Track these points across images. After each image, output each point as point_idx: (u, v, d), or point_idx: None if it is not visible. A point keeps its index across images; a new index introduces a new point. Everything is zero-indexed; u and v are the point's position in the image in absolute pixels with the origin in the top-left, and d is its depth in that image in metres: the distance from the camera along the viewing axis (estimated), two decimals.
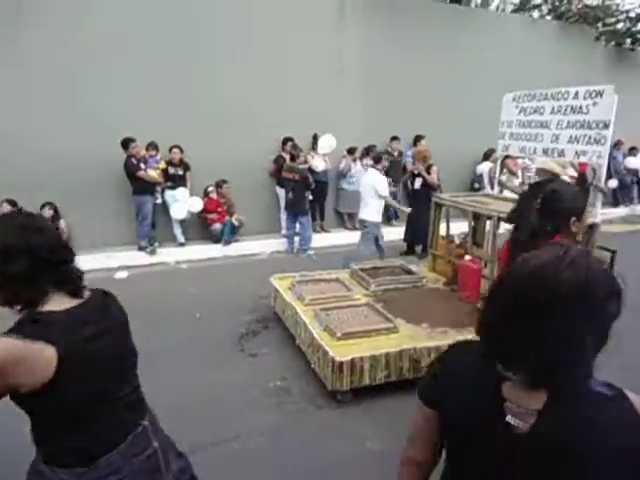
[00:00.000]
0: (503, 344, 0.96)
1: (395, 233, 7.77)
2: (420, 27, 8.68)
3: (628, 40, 11.67)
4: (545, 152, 4.82)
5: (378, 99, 8.47)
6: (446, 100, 9.01)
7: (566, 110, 4.49)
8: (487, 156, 8.99)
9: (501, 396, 0.97)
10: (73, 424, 1.32)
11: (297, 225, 7.38)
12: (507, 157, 7.67)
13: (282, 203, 7.79)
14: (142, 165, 6.68)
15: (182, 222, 7.26)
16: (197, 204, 7.14)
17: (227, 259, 7.18)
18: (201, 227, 7.55)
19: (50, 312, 1.29)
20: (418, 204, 6.60)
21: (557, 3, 11.50)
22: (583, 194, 2.31)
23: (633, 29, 11.67)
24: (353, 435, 3.05)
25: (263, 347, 4.24)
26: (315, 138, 7.98)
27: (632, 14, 11.48)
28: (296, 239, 7.46)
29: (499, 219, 4.38)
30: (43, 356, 1.21)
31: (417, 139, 8.64)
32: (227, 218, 7.44)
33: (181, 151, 7.10)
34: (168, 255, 7.02)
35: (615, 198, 11.20)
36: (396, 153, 8.66)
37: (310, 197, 7.47)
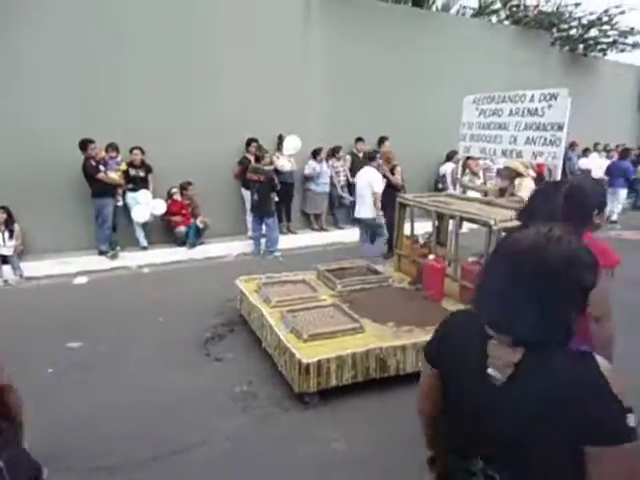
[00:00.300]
0: (492, 309, 1.12)
1: None
2: (384, 30, 8.78)
3: (581, 46, 12.19)
4: (504, 153, 4.96)
5: (343, 101, 8.52)
6: (410, 102, 9.16)
7: (523, 112, 4.64)
8: (450, 157, 9.19)
9: (486, 353, 1.13)
10: None
11: (263, 227, 7.33)
12: (469, 158, 7.86)
13: (248, 205, 7.72)
14: (102, 167, 6.47)
15: (145, 225, 7.07)
16: (160, 206, 6.99)
17: (192, 262, 7.06)
18: (165, 230, 7.39)
19: None
20: (383, 205, 6.67)
21: (514, 9, 11.88)
22: (601, 188, 2.44)
23: (585, 35, 12.20)
24: (320, 437, 3.04)
25: (229, 351, 4.18)
26: (280, 139, 7.95)
27: (584, 21, 12.00)
28: (262, 241, 7.41)
29: (462, 219, 4.48)
30: None
31: (381, 140, 8.74)
32: (192, 220, 7.31)
33: (142, 152, 6.93)
34: (130, 259, 6.83)
35: None
36: (361, 154, 8.72)
37: (276, 198, 7.43)
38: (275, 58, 7.84)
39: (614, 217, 9.83)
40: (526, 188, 4.89)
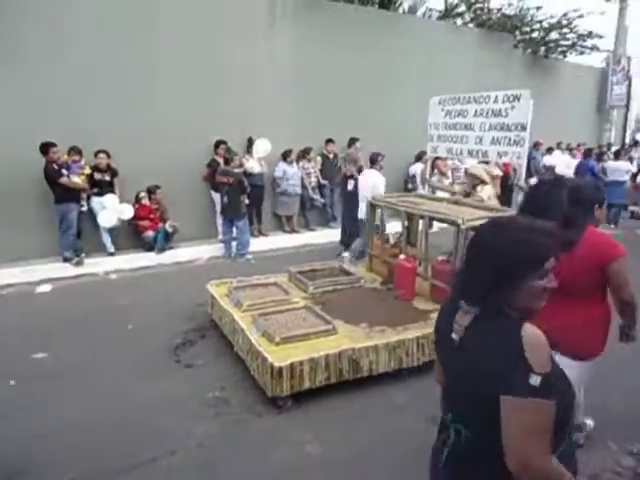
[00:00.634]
0: (464, 285, 1.37)
1: (333, 235, 7.85)
2: (351, 32, 8.83)
3: (542, 48, 12.55)
4: (470, 153, 5.06)
5: (312, 102, 8.53)
6: (378, 103, 9.23)
7: (488, 113, 4.73)
8: (419, 157, 9.31)
9: (453, 321, 1.37)
10: None
11: (234, 230, 7.25)
12: (437, 158, 7.99)
13: (218, 208, 7.63)
14: (64, 171, 6.27)
15: (111, 230, 6.89)
16: (127, 211, 6.82)
17: (161, 267, 6.91)
18: (132, 235, 7.22)
19: None
20: (352, 206, 6.71)
21: (479, 12, 12.14)
22: (600, 186, 2.77)
23: (547, 38, 12.57)
24: (294, 441, 3.01)
25: (200, 357, 4.11)
26: (250, 141, 7.89)
27: (545, 24, 12.36)
28: (233, 244, 7.33)
29: (431, 219, 4.54)
30: None
31: (351, 141, 8.77)
32: (160, 225, 7.17)
33: (108, 156, 6.76)
34: (96, 266, 6.64)
35: None
36: (331, 155, 8.75)
37: (246, 201, 7.37)
38: (241, 59, 7.77)
39: None
40: (487, 192, 5.12)
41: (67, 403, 3.40)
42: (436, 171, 8.68)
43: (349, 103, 8.91)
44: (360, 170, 6.94)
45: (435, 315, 4.14)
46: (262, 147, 7.65)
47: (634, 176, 10.35)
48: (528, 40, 12.33)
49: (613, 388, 3.40)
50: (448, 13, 11.89)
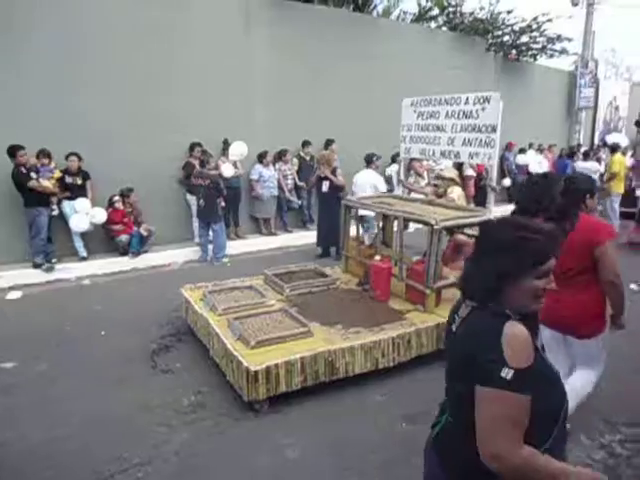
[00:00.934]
0: (465, 281, 1.44)
1: (311, 237, 7.85)
2: (326, 34, 8.85)
3: (514, 51, 12.80)
4: (443, 154, 5.11)
5: (288, 104, 8.51)
6: (354, 105, 9.27)
7: (459, 115, 4.80)
8: (395, 159, 9.38)
9: (456, 314, 1.46)
10: None
11: (210, 232, 7.18)
12: (413, 160, 8.07)
13: (194, 210, 7.55)
14: (33, 174, 6.12)
15: (83, 235, 6.75)
16: (100, 215, 6.69)
17: (136, 272, 6.80)
18: (106, 239, 7.09)
19: None
20: (328, 207, 6.73)
21: (451, 15, 12.32)
22: (591, 178, 3.02)
23: (517, 41, 12.83)
24: (272, 445, 3.00)
25: (176, 362, 4.06)
26: (225, 143, 7.83)
27: (516, 28, 12.61)
28: (210, 247, 7.26)
29: (405, 219, 4.57)
30: None
31: (328, 143, 8.80)
32: (135, 228, 7.06)
33: (80, 159, 6.62)
34: (68, 271, 6.49)
35: (509, 195, 12.22)
36: (308, 157, 8.75)
37: (223, 203, 7.31)
38: (217, 62, 7.72)
39: None
40: (457, 193, 5.23)
41: (37, 414, 3.31)
42: (412, 172, 8.76)
43: (325, 105, 8.94)
44: (334, 172, 6.98)
45: (410, 315, 4.19)
46: (238, 150, 7.60)
47: (602, 176, 10.67)
48: (500, 43, 12.56)
49: None
50: (422, 16, 12.04)
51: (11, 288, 5.93)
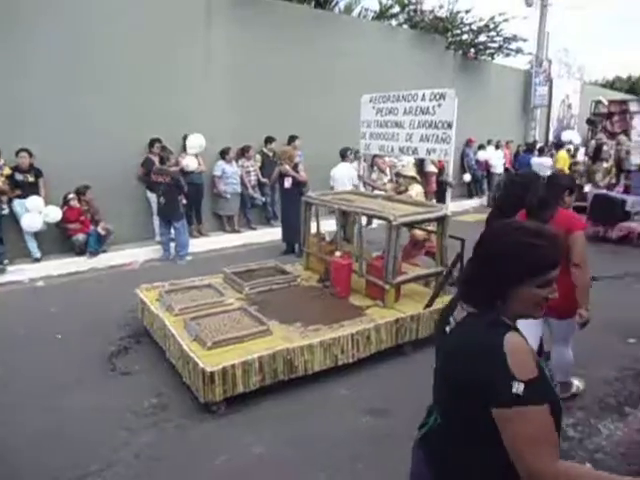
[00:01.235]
0: (466, 283, 1.41)
1: (275, 233, 7.84)
2: (287, 30, 8.80)
3: (472, 50, 13.09)
4: (401, 150, 5.19)
5: (250, 100, 8.43)
6: (316, 101, 9.26)
7: (416, 111, 4.88)
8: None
9: (450, 317, 1.43)
10: None
11: (172, 230, 7.05)
12: (376, 156, 8.16)
13: (154, 208, 7.39)
14: None
15: (37, 235, 6.50)
16: (54, 213, 6.45)
17: (93, 272, 6.61)
18: (61, 239, 6.84)
19: None
20: (290, 203, 6.73)
21: (412, 13, 12.48)
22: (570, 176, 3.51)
23: (476, 40, 13.13)
24: (234, 444, 2.98)
25: (136, 364, 3.99)
26: (185, 139, 7.69)
27: (474, 27, 12.89)
28: (172, 245, 7.13)
29: (366, 215, 4.62)
30: None
31: (291, 139, 8.78)
32: (92, 227, 6.85)
33: (30, 155, 6.35)
34: (21, 273, 6.24)
35: (469, 191, 12.53)
36: (271, 154, 8.71)
37: (184, 201, 7.19)
38: (177, 57, 7.56)
39: None
40: (415, 190, 5.36)
41: None
42: (375, 168, 8.85)
43: (287, 101, 8.90)
44: (296, 167, 6.98)
45: (370, 311, 4.24)
46: (196, 142, 7.47)
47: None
48: (459, 42, 12.81)
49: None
50: (383, 14, 12.14)
51: None
